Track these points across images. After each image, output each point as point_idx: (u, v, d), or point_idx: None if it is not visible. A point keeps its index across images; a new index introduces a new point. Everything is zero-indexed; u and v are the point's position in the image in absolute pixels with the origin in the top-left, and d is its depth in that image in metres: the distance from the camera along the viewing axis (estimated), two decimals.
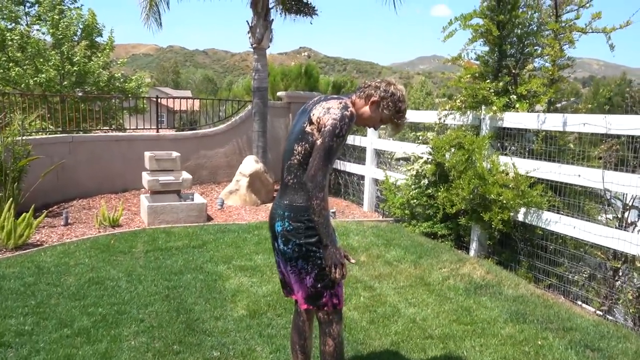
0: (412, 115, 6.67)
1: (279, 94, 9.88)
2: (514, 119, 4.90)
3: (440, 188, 5.50)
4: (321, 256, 2.34)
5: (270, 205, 6.90)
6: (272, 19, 8.06)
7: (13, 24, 17.34)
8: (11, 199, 5.73)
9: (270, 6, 8.06)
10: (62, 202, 7.54)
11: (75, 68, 16.51)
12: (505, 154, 5.00)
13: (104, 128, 15.99)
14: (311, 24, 8.76)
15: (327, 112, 2.29)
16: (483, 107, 5.21)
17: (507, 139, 5.14)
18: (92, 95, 15.86)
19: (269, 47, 8.13)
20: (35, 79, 16.08)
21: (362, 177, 7.79)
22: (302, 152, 2.33)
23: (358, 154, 8.00)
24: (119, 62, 19.45)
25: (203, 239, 5.63)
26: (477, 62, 5.60)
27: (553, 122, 4.45)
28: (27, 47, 16.42)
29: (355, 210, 7.66)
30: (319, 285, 2.38)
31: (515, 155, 4.97)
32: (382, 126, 2.59)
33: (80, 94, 15.99)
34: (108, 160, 8.24)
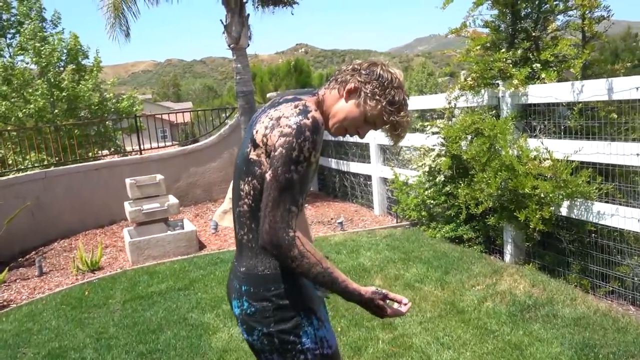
0: (415, 102, 5.80)
1: (268, 95, 9.05)
2: (541, 92, 4.00)
3: (460, 184, 4.63)
4: (306, 348, 1.51)
5: None
6: (248, 14, 7.22)
7: None
8: None
9: (244, 0, 7.22)
10: (41, 246, 6.79)
11: (64, 94, 15.85)
12: (535, 136, 4.12)
13: (103, 152, 15.45)
14: (292, 14, 7.93)
15: (276, 124, 1.44)
16: (500, 82, 4.33)
17: (534, 118, 4.25)
18: (83, 122, 15.22)
19: (248, 45, 7.30)
20: (25, 110, 15.45)
21: (369, 177, 6.94)
22: (252, 192, 1.49)
23: (361, 152, 7.14)
24: (109, 83, 18.76)
25: (190, 276, 4.83)
26: (486, 30, 4.71)
27: (594, 89, 3.54)
28: (12, 79, 15.81)
29: (365, 215, 6.80)
30: None
31: (547, 136, 4.08)
32: (373, 130, 1.69)
33: (70, 120, 15.36)
34: (89, 192, 7.48)
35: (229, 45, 7.25)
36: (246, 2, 7.29)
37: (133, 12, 8.73)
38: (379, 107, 1.51)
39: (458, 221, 4.92)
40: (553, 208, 3.84)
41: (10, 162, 12.14)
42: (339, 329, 3.38)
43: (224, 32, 7.21)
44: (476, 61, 4.44)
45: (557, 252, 4.10)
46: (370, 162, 6.74)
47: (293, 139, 1.39)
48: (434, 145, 5.11)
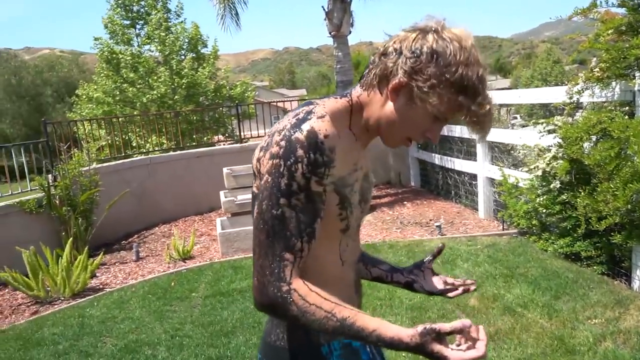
0: (526, 95, 5.11)
1: None
2: None
3: (579, 193, 3.95)
4: None
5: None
6: (351, 0, 6.87)
7: (126, 47, 17.93)
8: (71, 238, 5.22)
9: None
10: (144, 230, 7.06)
11: (184, 80, 16.70)
12: None
13: (216, 138, 16.11)
14: None
15: (270, 143, 1.05)
16: (637, 74, 3.59)
17: None
18: (200, 108, 15.92)
19: (349, 33, 6.97)
20: (148, 96, 16.49)
21: (474, 177, 6.33)
22: None
23: (467, 148, 6.53)
24: (223, 70, 19.45)
25: None
26: (622, 11, 3.95)
27: None
28: (139, 66, 16.94)
29: (468, 217, 6.21)
30: None
31: None
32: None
33: (190, 107, 16.16)
34: (190, 179, 7.65)
35: (329, 33, 6.97)
36: None
37: (243, 2, 8.82)
38: (445, 99, 1.02)
39: (575, 235, 4.22)
40: None
41: (134, 144, 12.96)
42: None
43: (325, 19, 6.94)
44: (606, 48, 3.72)
45: None
46: (476, 160, 6.13)
47: (280, 161, 1.01)
48: (549, 146, 4.43)
